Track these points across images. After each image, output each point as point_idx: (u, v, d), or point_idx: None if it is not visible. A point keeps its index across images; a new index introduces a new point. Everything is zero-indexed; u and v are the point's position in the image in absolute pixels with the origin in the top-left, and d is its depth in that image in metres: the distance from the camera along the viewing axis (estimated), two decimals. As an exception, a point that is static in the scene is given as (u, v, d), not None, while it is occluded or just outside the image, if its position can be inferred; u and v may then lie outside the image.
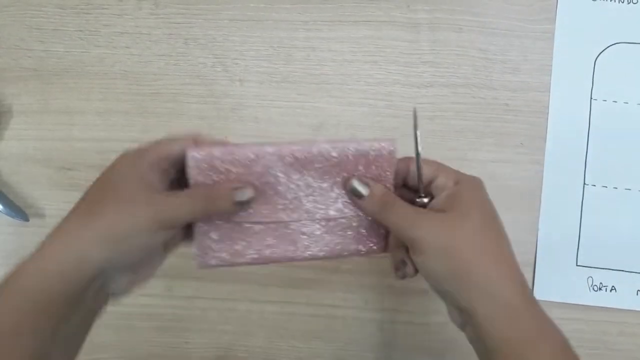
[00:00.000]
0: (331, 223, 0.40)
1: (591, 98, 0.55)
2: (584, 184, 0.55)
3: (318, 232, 0.40)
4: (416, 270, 0.40)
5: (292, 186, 0.39)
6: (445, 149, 0.55)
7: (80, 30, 0.56)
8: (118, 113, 0.55)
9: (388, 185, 0.40)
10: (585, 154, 0.55)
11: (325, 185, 0.40)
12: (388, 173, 0.40)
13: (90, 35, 0.56)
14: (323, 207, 0.40)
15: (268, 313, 0.55)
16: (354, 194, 0.39)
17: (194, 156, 0.37)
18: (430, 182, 0.40)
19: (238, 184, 0.38)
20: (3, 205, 0.54)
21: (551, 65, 0.55)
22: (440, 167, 0.40)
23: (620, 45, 0.55)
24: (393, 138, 0.40)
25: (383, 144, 0.40)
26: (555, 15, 0.55)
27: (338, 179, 0.40)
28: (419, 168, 0.39)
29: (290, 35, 0.55)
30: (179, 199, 0.37)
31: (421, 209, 0.39)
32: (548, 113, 0.55)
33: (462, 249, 0.37)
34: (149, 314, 0.55)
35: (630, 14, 0.55)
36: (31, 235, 0.55)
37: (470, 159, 0.55)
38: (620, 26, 0.55)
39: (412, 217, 0.38)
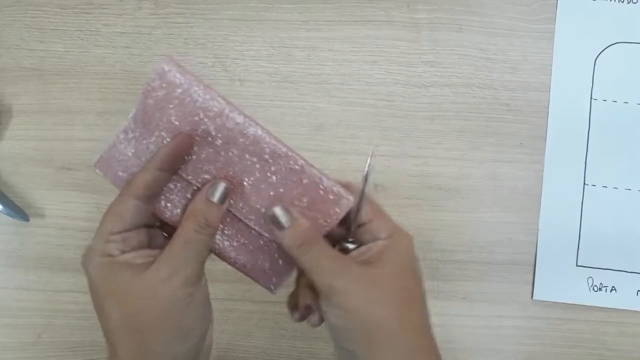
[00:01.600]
0: (243, 228, 0.37)
1: (591, 98, 0.55)
2: (584, 184, 0.55)
3: (226, 226, 0.37)
4: (321, 321, 0.36)
5: (234, 166, 0.36)
6: (445, 149, 0.55)
7: (80, 30, 0.56)
8: (118, 113, 0.55)
9: (321, 230, 0.36)
10: (585, 154, 0.55)
11: (259, 190, 0.36)
12: (329, 221, 0.36)
13: (90, 35, 0.56)
14: (247, 210, 0.36)
15: (268, 313, 0.55)
16: (272, 222, 0.35)
17: (171, 72, 0.35)
18: (362, 225, 0.36)
19: (208, 185, 0.35)
20: (3, 205, 0.54)
21: (551, 65, 0.55)
22: (377, 212, 0.37)
23: (620, 45, 0.55)
24: (353, 198, 0.36)
25: (347, 195, 0.36)
26: (555, 15, 0.55)
27: (279, 190, 0.36)
28: (358, 211, 0.36)
29: (291, 35, 0.55)
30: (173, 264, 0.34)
31: (344, 256, 0.36)
32: (548, 113, 0.55)
33: (382, 315, 0.34)
34: (149, 314, 0.55)
35: (630, 14, 0.55)
36: (31, 235, 0.55)
37: (470, 159, 0.55)
38: (620, 26, 0.55)
39: (335, 264, 0.34)
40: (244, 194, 0.36)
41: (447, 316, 0.54)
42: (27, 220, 0.54)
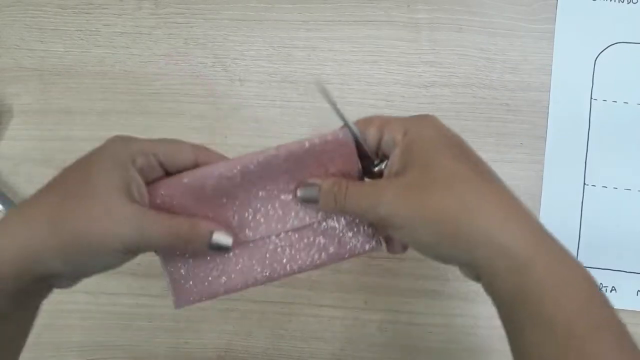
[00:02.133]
0: (303, 232, 0.37)
1: (591, 98, 0.55)
2: (584, 184, 0.55)
3: (291, 245, 0.37)
4: (405, 246, 0.36)
5: (249, 202, 0.36)
6: (445, 149, 0.55)
7: (80, 30, 0.56)
8: (118, 113, 0.55)
9: (356, 173, 0.36)
10: (585, 154, 0.55)
11: (284, 194, 0.36)
12: (351, 163, 0.36)
13: (90, 35, 0.56)
14: (289, 216, 0.37)
15: (268, 313, 0.55)
16: (307, 203, 0.36)
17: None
18: (379, 142, 0.35)
19: (218, 227, 0.35)
20: (3, 205, 0.54)
21: (551, 65, 0.55)
22: (383, 121, 0.35)
23: (620, 45, 0.55)
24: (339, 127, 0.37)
25: (336, 133, 0.35)
26: (555, 15, 0.55)
27: (294, 185, 0.36)
28: (354, 136, 0.35)
29: (291, 35, 0.55)
30: (157, 226, 0.33)
31: (379, 181, 0.35)
32: (548, 113, 0.55)
33: (440, 210, 0.31)
34: (149, 314, 0.55)
35: (630, 14, 0.55)
36: (31, 235, 0.55)
37: (470, 159, 0.55)
38: (620, 26, 0.55)
39: (372, 195, 0.33)
40: (279, 214, 0.37)
41: (447, 316, 0.54)
42: (27, 220, 0.54)
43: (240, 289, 0.37)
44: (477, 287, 0.55)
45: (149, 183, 0.35)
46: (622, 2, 0.55)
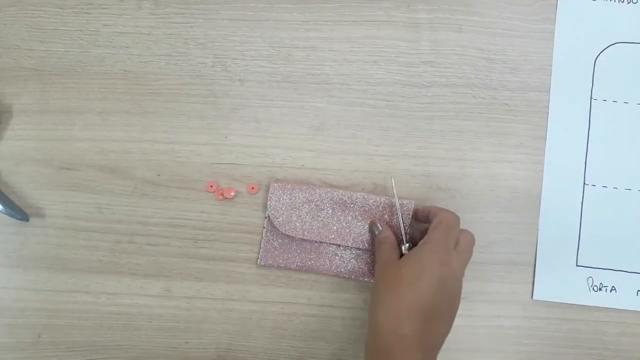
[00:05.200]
0: (356, 252, 0.54)
1: (591, 98, 0.55)
2: (584, 184, 0.55)
3: (346, 257, 0.54)
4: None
5: (335, 219, 0.53)
6: (445, 149, 0.55)
7: (80, 30, 0.56)
8: (118, 113, 0.55)
9: (402, 229, 0.52)
10: (585, 154, 0.55)
11: (358, 223, 0.53)
12: (404, 223, 0.52)
13: (90, 35, 0.56)
14: (352, 238, 0.53)
15: (268, 313, 0.55)
16: (370, 230, 0.53)
17: (275, 186, 0.53)
18: (433, 216, 0.50)
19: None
20: (3, 205, 0.54)
21: (551, 65, 0.55)
22: (437, 211, 0.50)
23: (620, 45, 0.55)
24: (413, 200, 0.53)
25: (405, 202, 0.52)
26: (555, 15, 0.55)
27: (366, 221, 0.53)
28: (403, 228, 0.52)
29: (291, 35, 0.55)
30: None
31: (391, 258, 0.50)
32: (548, 113, 0.55)
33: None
34: (149, 314, 0.55)
35: (630, 14, 0.55)
36: (31, 235, 0.55)
37: (470, 159, 0.55)
38: (620, 26, 0.55)
39: (384, 257, 0.50)
40: (346, 232, 0.53)
41: (447, 316, 0.54)
42: (27, 220, 0.54)
43: (303, 270, 0.54)
44: (476, 288, 0.55)
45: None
46: (622, 2, 0.55)
